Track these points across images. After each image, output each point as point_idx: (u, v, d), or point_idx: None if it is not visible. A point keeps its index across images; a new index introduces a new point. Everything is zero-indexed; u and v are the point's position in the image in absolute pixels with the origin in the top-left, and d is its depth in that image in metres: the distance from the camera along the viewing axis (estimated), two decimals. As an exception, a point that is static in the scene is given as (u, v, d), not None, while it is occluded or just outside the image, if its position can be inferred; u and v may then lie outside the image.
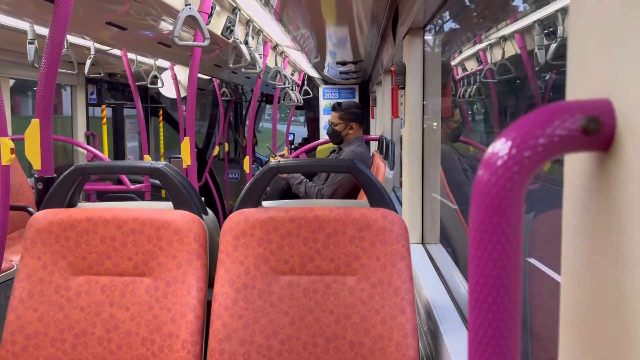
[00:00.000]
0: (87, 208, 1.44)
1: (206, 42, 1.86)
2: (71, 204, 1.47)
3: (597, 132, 0.37)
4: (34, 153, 1.41)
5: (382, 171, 3.22)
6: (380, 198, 1.43)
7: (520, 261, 0.35)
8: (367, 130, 4.82)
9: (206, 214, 1.48)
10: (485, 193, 0.35)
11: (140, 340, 1.34)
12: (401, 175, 2.68)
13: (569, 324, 0.44)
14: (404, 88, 2.16)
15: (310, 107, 8.59)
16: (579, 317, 0.42)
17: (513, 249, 0.35)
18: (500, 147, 0.35)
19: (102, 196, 4.25)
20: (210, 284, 1.40)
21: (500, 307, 0.35)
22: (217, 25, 2.38)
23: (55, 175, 1.49)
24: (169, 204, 1.46)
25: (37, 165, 1.43)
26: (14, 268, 2.75)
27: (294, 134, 9.25)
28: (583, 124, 0.36)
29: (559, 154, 0.36)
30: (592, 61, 0.40)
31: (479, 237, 0.35)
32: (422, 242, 2.17)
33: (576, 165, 0.42)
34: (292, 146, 8.54)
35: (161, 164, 1.47)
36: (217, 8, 2.30)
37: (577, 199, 0.42)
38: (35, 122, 1.41)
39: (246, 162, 4.01)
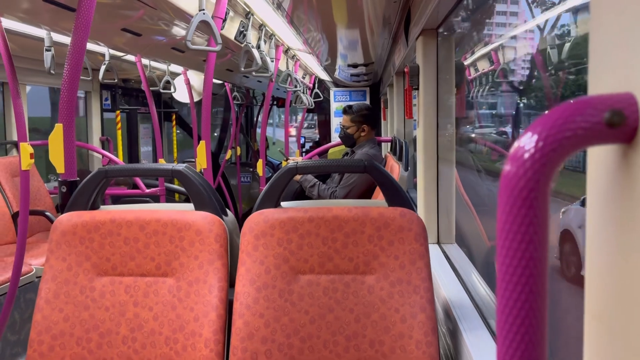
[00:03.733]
0: (110, 210, 1.46)
1: (218, 47, 1.88)
2: (94, 206, 1.50)
3: (621, 125, 0.38)
4: (57, 157, 1.44)
5: (396, 172, 3.23)
6: (398, 197, 1.44)
7: (547, 253, 0.36)
8: (378, 132, 4.81)
9: (226, 214, 1.50)
10: (513, 186, 0.36)
11: (164, 339, 1.36)
12: (415, 177, 2.68)
13: (594, 317, 0.44)
14: (417, 89, 2.17)
15: (321, 110, 8.61)
16: (604, 310, 0.42)
17: (541, 241, 0.35)
18: (526, 141, 0.36)
19: (118, 200, 4.30)
20: (231, 283, 1.42)
21: (529, 296, 0.35)
22: (230, 30, 2.41)
23: (78, 178, 1.52)
24: (189, 206, 1.49)
25: (60, 168, 1.46)
26: (33, 272, 2.79)
27: (304, 138, 9.27)
28: (607, 117, 0.37)
29: (583, 146, 0.37)
30: (613, 56, 0.41)
31: (507, 228, 0.36)
32: (438, 242, 2.17)
33: (600, 158, 0.43)
34: (304, 149, 8.57)
35: (182, 166, 1.49)
36: (231, 13, 2.32)
37: (601, 192, 0.43)
38: (58, 127, 1.44)
39: (259, 166, 4.05)
